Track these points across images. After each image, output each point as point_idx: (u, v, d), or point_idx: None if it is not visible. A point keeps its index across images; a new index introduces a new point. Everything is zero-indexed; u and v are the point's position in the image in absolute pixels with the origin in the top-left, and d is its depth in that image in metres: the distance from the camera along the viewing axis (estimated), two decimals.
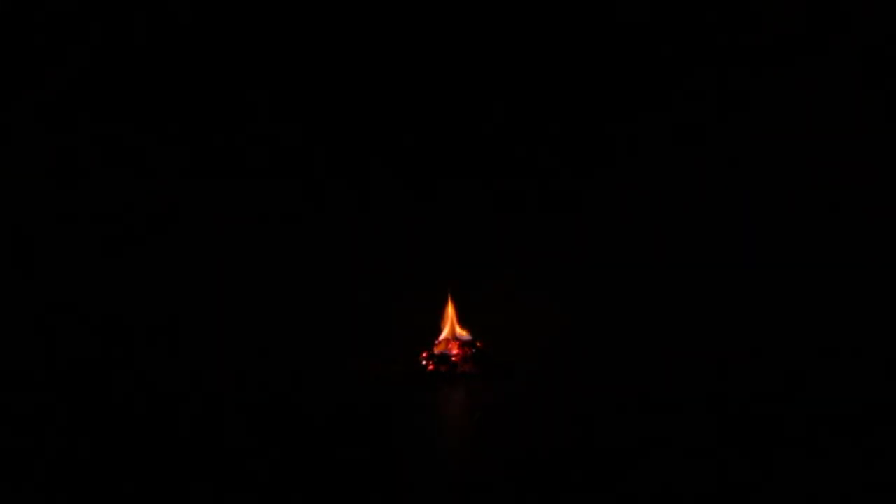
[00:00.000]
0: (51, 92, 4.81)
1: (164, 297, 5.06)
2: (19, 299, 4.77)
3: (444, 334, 4.63)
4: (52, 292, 4.90)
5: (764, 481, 3.35)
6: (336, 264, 5.29)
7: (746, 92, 5.12)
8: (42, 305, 4.79)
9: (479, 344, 4.58)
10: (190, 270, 5.08)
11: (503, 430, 3.96)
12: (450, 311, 4.64)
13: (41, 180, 4.98)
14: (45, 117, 4.95)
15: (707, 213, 5.19)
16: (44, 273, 4.91)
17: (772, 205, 5.04)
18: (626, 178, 5.20)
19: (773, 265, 5.06)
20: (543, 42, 5.14)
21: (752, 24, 5.08)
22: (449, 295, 4.64)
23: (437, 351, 4.57)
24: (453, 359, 4.52)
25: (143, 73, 5.03)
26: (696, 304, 5.00)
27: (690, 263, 5.12)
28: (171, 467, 3.66)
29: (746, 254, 5.01)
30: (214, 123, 5.10)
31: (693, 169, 5.20)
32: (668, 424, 3.88)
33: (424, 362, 4.54)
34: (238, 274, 5.18)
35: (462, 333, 4.62)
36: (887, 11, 4.90)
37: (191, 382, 4.44)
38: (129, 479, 3.56)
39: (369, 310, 5.15)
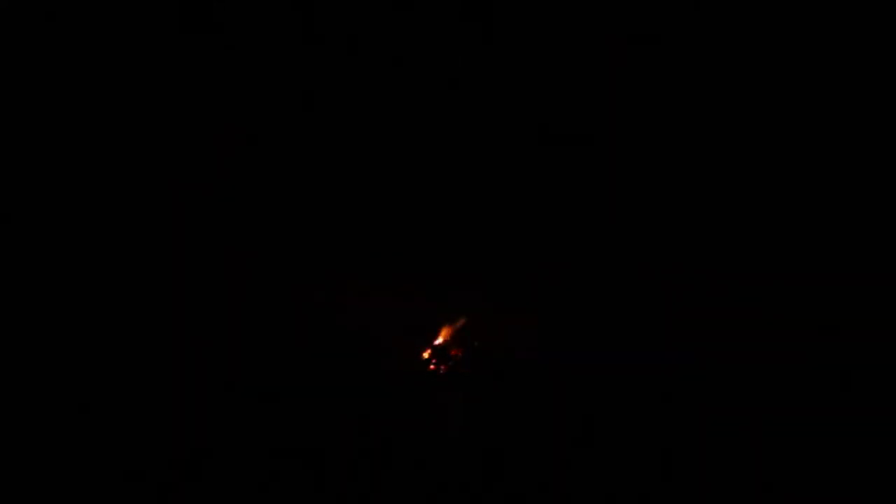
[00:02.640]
0: None
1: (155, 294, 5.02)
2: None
3: (444, 336, 4.64)
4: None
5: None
6: (335, 260, 5.28)
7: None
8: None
9: (476, 344, 4.59)
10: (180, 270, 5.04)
11: (499, 428, 3.97)
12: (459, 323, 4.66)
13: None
14: None
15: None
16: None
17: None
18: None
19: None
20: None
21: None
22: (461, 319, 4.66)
23: (437, 351, 4.58)
24: (453, 358, 4.54)
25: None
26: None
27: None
28: (171, 467, 3.68)
29: None
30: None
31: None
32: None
33: (425, 362, 4.55)
34: (230, 271, 5.15)
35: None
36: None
37: (190, 377, 4.45)
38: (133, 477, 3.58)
39: (370, 307, 5.14)
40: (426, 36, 5.04)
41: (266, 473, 3.87)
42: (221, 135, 4.94)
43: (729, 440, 3.99)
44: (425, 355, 4.58)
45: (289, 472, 3.90)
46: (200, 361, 4.61)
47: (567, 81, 5.08)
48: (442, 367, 4.53)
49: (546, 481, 3.79)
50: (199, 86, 4.96)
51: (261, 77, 5.01)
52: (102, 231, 4.78)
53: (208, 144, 4.94)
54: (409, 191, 5.10)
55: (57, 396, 4.29)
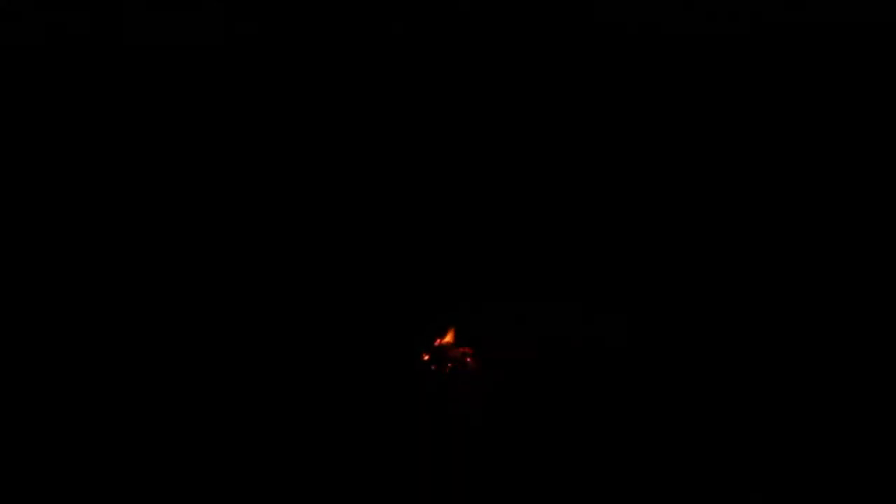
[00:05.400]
0: None
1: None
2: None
3: (444, 338, 4.63)
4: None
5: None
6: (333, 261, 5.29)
7: None
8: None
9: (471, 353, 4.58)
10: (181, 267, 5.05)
11: (499, 429, 3.97)
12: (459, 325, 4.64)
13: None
14: None
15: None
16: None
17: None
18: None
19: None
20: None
21: None
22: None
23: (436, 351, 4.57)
24: (451, 361, 4.52)
25: None
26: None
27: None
28: (177, 467, 3.69)
29: None
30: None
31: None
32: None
33: (425, 363, 4.53)
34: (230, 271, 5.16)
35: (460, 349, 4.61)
36: None
37: (190, 380, 4.45)
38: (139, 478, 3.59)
39: (369, 308, 5.15)
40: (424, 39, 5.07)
41: (263, 475, 3.87)
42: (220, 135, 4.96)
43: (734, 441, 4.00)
44: (425, 357, 4.57)
45: (287, 473, 3.89)
46: (197, 362, 4.63)
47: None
48: (442, 368, 4.52)
49: (547, 483, 3.79)
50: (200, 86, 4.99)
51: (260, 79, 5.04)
52: (103, 231, 4.80)
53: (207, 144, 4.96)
54: (410, 190, 5.12)
55: (56, 396, 4.30)
